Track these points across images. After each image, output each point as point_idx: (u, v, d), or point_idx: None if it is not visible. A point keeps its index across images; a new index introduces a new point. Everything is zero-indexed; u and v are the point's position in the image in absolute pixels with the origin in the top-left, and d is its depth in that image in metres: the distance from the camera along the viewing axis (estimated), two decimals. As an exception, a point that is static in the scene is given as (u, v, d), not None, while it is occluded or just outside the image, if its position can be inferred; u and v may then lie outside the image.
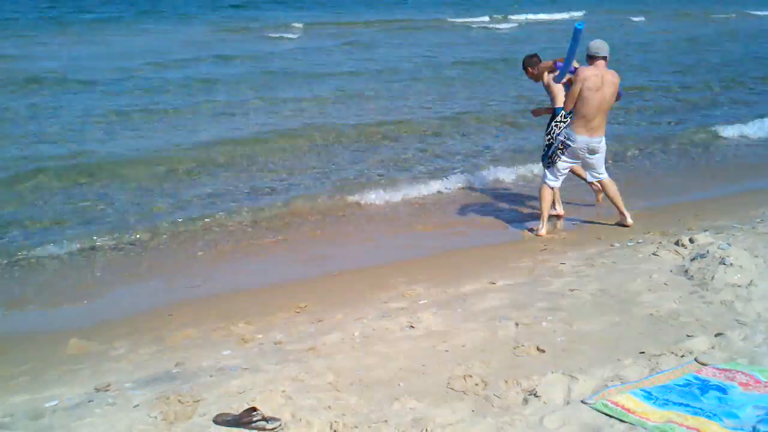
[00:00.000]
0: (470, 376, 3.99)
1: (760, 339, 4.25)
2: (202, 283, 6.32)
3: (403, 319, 4.98)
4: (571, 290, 5.35)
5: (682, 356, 4.09)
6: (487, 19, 34.61)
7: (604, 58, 6.89)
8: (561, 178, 7.31)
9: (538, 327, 4.69)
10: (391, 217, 8.16)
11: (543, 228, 7.26)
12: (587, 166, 7.38)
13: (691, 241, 6.08)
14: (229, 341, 4.94)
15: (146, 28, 27.72)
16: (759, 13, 39.27)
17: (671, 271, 5.59)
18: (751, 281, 5.12)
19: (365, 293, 5.81)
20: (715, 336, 4.34)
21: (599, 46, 6.90)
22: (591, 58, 6.90)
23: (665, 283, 5.34)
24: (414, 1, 47.34)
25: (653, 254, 6.05)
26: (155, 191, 8.74)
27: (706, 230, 6.69)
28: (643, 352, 4.20)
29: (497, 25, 32.19)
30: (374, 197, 8.56)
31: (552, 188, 7.32)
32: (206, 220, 7.72)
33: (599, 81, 6.78)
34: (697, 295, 5.05)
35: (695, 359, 4.01)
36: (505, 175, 9.54)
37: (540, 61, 7.71)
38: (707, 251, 5.60)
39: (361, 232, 7.70)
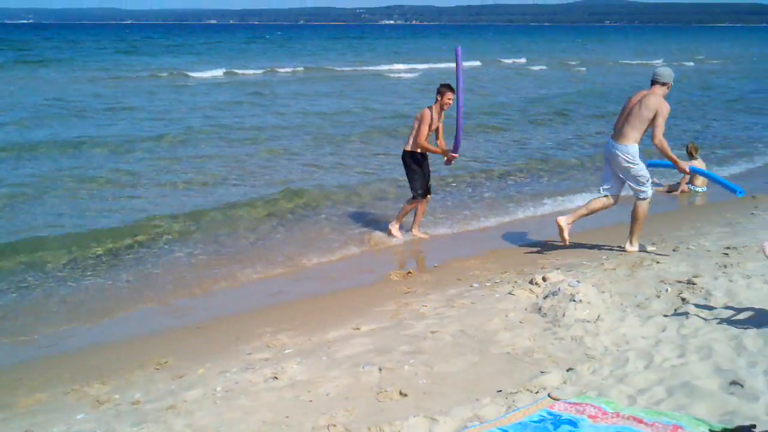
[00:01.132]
0: (334, 426, 3.99)
1: (607, 371, 4.49)
2: (54, 343, 6.00)
3: (266, 371, 4.93)
4: (433, 332, 5.47)
5: (537, 392, 4.26)
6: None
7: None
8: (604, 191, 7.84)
9: (401, 371, 4.76)
10: (256, 262, 8.07)
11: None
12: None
13: (544, 279, 6.37)
14: (83, 404, 4.72)
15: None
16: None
17: (526, 309, 5.83)
18: (599, 316, 5.42)
19: (229, 345, 5.71)
20: (567, 371, 4.56)
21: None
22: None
23: (520, 322, 5.56)
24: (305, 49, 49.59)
25: (509, 293, 6.29)
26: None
27: (558, 268, 7.04)
28: (501, 391, 4.34)
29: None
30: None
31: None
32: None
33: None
34: (549, 332, 5.29)
35: (548, 395, 4.18)
36: (370, 220, 9.69)
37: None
38: (558, 289, 5.89)
39: (226, 280, 7.56)
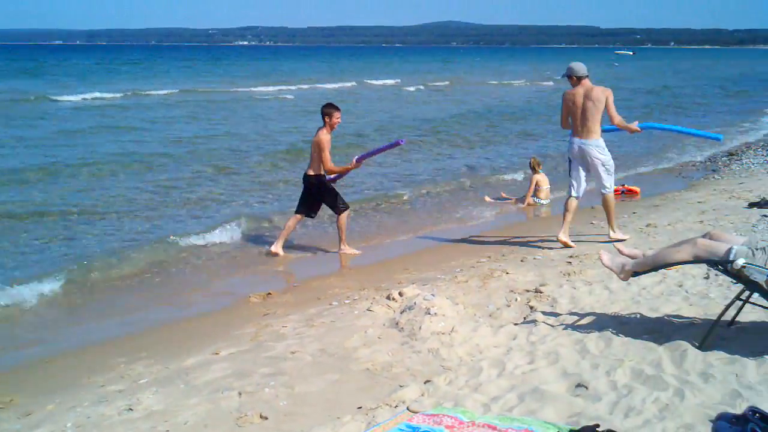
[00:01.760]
0: (192, 455, 3.88)
1: (462, 381, 4.63)
2: None
3: (121, 403, 4.74)
4: (293, 353, 5.45)
5: (396, 407, 4.33)
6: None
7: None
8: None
9: (261, 394, 4.71)
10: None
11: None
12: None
13: (400, 294, 6.49)
14: None
15: None
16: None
17: (384, 324, 5.92)
18: (453, 328, 5.58)
19: (81, 378, 5.45)
20: (424, 383, 4.66)
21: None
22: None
23: (379, 337, 5.64)
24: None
25: (368, 310, 6.36)
26: None
27: (414, 283, 7.21)
28: (361, 407, 4.38)
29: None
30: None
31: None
32: None
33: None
34: (407, 346, 5.40)
35: (407, 408, 4.26)
36: (226, 237, 9.56)
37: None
38: (414, 303, 6.02)
39: (79, 310, 7.20)
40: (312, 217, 9.33)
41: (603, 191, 8.54)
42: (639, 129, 8.64)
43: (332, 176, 9.09)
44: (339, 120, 8.71)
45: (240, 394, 4.72)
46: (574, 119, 8.32)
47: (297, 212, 9.12)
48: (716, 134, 9.54)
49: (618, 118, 8.26)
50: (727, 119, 25.84)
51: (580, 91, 8.25)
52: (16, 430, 4.50)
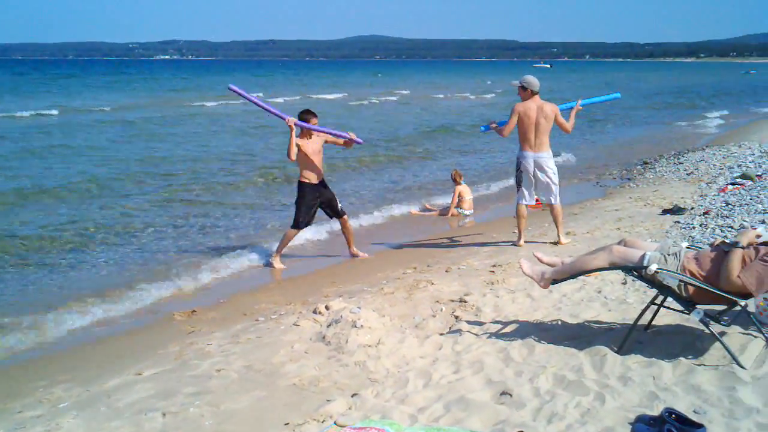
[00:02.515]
0: (114, 480, 3.78)
1: (390, 393, 4.65)
2: None
3: (39, 429, 4.59)
4: (218, 370, 5.38)
5: (323, 421, 4.32)
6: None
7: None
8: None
9: (186, 414, 4.62)
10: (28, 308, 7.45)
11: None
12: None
13: (327, 308, 6.48)
14: None
15: None
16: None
17: (311, 339, 5.90)
18: (380, 340, 5.60)
19: (-5, 404, 5.23)
20: (352, 397, 4.67)
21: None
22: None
23: (306, 352, 5.61)
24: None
25: (294, 324, 6.32)
26: None
27: (341, 296, 7.20)
28: (288, 423, 4.36)
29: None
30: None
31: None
32: None
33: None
34: (334, 360, 5.39)
35: (335, 422, 4.25)
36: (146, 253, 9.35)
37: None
38: (341, 316, 6.01)
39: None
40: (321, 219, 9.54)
41: (553, 202, 8.96)
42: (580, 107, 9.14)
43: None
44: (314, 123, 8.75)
45: (164, 414, 4.62)
46: (527, 133, 8.66)
47: (295, 226, 9.10)
48: (614, 94, 10.35)
49: (570, 126, 8.86)
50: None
51: (532, 105, 8.63)
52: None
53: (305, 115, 8.76)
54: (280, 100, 43.29)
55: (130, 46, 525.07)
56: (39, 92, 49.90)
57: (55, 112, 33.32)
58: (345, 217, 9.31)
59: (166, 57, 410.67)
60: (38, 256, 9.31)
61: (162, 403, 4.82)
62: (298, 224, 8.97)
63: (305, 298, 7.49)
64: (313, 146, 8.82)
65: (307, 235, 10.41)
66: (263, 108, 9.06)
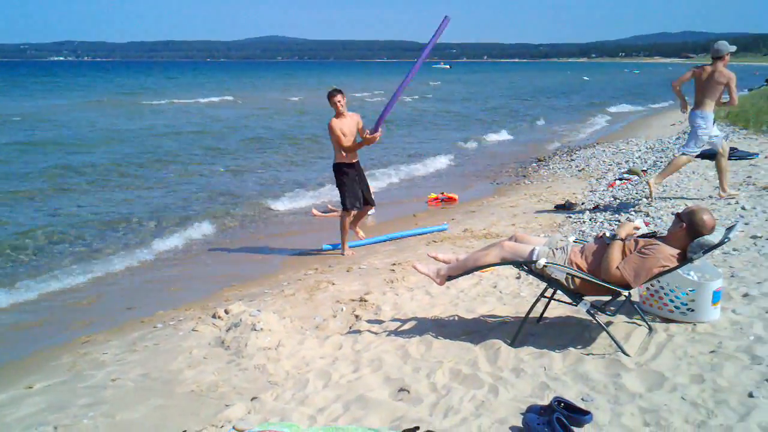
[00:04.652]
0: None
1: (289, 395, 4.65)
2: None
3: None
4: (114, 380, 5.24)
5: (222, 427, 4.28)
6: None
7: None
8: None
9: (80, 426, 4.49)
10: None
11: None
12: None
13: (226, 312, 6.41)
14: None
15: None
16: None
17: (210, 344, 5.82)
18: (280, 342, 5.59)
19: None
20: (251, 400, 4.64)
21: None
22: None
23: (204, 357, 5.54)
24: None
25: (193, 330, 6.23)
26: None
27: (241, 299, 7.14)
28: (185, 431, 4.29)
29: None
30: None
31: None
32: None
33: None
34: (233, 364, 5.35)
35: (233, 427, 4.21)
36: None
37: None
38: (240, 320, 5.97)
39: None
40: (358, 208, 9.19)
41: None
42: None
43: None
44: (337, 102, 8.64)
45: (56, 428, 4.48)
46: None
47: (346, 209, 9.06)
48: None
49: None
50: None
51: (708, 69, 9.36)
52: None
53: (329, 93, 8.74)
54: (216, 99, 43.44)
55: (22, 47, 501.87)
56: None
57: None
58: (370, 207, 9.29)
59: (61, 58, 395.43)
60: None
61: (54, 417, 4.66)
62: (347, 206, 8.95)
63: (204, 302, 7.38)
64: (349, 127, 8.79)
65: (195, 235, 10.32)
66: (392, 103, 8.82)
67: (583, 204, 10.70)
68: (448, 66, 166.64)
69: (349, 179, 8.94)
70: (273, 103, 41.84)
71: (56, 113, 33.82)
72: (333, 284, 7.41)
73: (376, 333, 5.69)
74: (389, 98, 8.79)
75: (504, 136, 25.45)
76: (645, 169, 13.35)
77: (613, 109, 37.00)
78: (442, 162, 18.40)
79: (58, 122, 29.13)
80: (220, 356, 5.55)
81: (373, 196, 9.36)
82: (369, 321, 6.05)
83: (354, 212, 9.12)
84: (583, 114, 34.43)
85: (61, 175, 16.03)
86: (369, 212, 9.79)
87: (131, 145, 21.96)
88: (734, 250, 7.00)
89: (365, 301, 6.63)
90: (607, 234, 5.16)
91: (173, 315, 7.07)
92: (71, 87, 64.36)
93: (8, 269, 8.90)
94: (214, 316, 6.43)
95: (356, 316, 6.26)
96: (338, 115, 8.73)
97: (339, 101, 8.67)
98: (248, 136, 24.22)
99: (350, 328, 6.00)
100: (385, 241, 9.67)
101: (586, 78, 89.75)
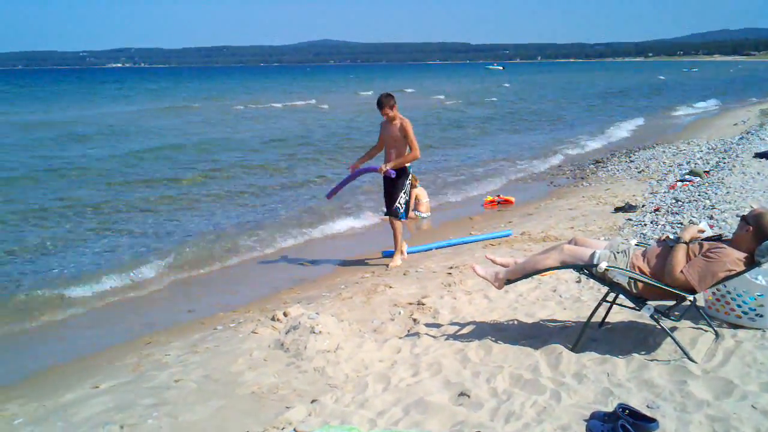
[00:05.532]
0: (72, 496, 3.73)
1: (349, 398, 4.66)
2: None
3: (-8, 446, 4.50)
4: (176, 381, 5.33)
5: (283, 429, 4.32)
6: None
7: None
8: None
9: (144, 426, 4.58)
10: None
11: None
12: None
13: (285, 314, 6.46)
14: None
15: None
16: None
17: (269, 346, 5.88)
18: (338, 345, 5.61)
19: (-53, 424, 5.12)
20: (311, 403, 4.67)
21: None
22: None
23: (264, 359, 5.59)
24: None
25: (253, 332, 6.30)
26: None
27: (299, 302, 7.19)
28: (248, 432, 4.34)
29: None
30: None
31: None
32: None
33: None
34: (293, 366, 5.38)
35: (294, 429, 4.25)
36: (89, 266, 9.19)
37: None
38: (299, 323, 6.01)
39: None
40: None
41: None
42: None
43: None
44: (384, 114, 8.57)
45: (122, 427, 4.57)
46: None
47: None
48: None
49: None
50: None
51: None
52: None
53: (384, 98, 8.55)
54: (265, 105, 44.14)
55: (81, 54, 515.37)
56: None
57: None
58: (392, 218, 8.88)
59: (118, 65, 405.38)
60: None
61: (119, 416, 4.76)
62: (407, 213, 8.95)
63: (263, 305, 7.46)
64: (387, 133, 8.65)
65: (262, 239, 10.43)
66: (357, 174, 9.12)
67: (643, 206, 10.50)
68: (501, 67, 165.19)
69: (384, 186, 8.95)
70: (356, 106, 41.70)
71: (158, 118, 34.95)
72: (390, 287, 7.42)
73: (434, 337, 5.67)
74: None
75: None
76: (707, 170, 13.03)
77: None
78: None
79: (166, 127, 29.83)
80: (279, 358, 5.59)
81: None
82: (427, 325, 6.03)
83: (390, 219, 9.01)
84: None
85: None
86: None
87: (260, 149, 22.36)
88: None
89: (423, 304, 6.61)
90: (671, 237, 5.05)
91: (232, 317, 7.16)
92: (147, 93, 66.61)
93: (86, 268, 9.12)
94: (273, 319, 6.49)
95: (414, 320, 6.25)
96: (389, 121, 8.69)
97: (383, 113, 8.62)
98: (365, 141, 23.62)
99: (408, 331, 5.99)
100: (446, 246, 9.57)
101: (661, 77, 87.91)
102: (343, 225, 11.54)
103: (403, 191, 8.70)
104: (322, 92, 60.85)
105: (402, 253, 8.96)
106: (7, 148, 22.34)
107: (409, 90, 62.94)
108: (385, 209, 9.00)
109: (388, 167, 8.49)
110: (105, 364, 6.11)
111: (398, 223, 8.78)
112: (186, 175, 16.66)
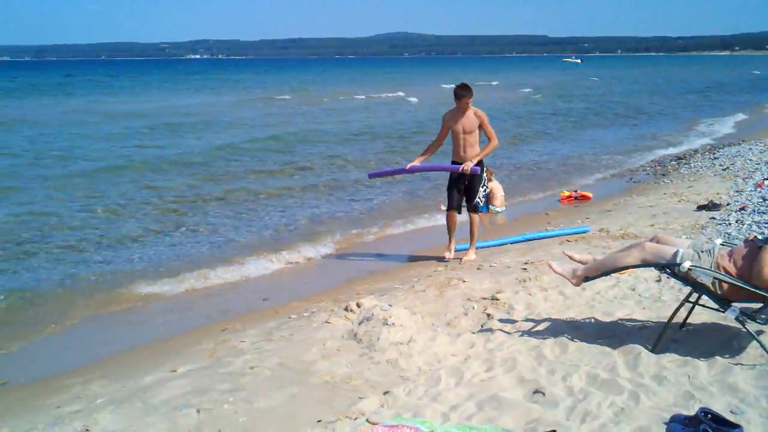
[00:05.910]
0: (151, 475, 3.83)
1: (422, 391, 4.65)
2: None
3: (77, 424, 4.64)
4: (252, 368, 5.41)
5: (356, 419, 4.33)
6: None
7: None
8: None
9: (220, 410, 4.66)
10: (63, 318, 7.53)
11: None
12: None
13: (358, 305, 6.49)
14: None
15: None
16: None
17: (343, 336, 5.91)
18: (411, 338, 5.60)
19: (34, 400, 5.33)
20: (384, 394, 4.67)
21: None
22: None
23: (338, 349, 5.63)
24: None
25: (326, 322, 6.35)
26: None
27: (372, 293, 7.22)
28: (320, 421, 4.37)
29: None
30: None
31: None
32: None
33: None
34: (366, 357, 5.40)
35: (367, 420, 4.26)
36: (174, 257, 9.43)
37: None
38: (372, 314, 6.02)
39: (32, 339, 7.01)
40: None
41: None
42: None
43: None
44: (460, 103, 8.41)
45: (198, 411, 4.66)
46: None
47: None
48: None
49: None
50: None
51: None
52: (-31, 456, 4.39)
53: (466, 88, 8.39)
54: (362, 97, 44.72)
55: (161, 45, 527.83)
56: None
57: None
58: (472, 213, 8.74)
59: (197, 56, 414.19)
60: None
61: (196, 400, 4.86)
62: (447, 204, 8.81)
63: (336, 295, 7.52)
64: (461, 126, 8.43)
65: (340, 229, 10.52)
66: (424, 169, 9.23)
67: (728, 205, 10.13)
68: (579, 60, 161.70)
69: (450, 180, 8.81)
70: (444, 98, 41.62)
71: (251, 109, 36.11)
72: (463, 282, 7.36)
73: (508, 333, 5.60)
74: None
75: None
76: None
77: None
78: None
79: (258, 118, 30.69)
80: (352, 349, 5.62)
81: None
82: (501, 320, 5.96)
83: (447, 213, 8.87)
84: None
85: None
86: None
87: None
88: None
89: (497, 299, 6.54)
90: (759, 237, 4.85)
91: (306, 306, 7.24)
92: (230, 83, 68.43)
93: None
94: (346, 309, 6.52)
95: (488, 315, 6.18)
96: (457, 112, 8.53)
97: (462, 101, 8.42)
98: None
99: (482, 326, 5.93)
100: (521, 242, 9.45)
101: (756, 72, 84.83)
102: (419, 219, 11.49)
103: (483, 185, 8.61)
104: (406, 84, 60.63)
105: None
106: (102, 138, 23.12)
107: (494, 82, 62.54)
108: (449, 204, 8.72)
109: (471, 165, 8.35)
110: (182, 349, 6.25)
111: (477, 218, 8.71)
112: (274, 168, 17.00)
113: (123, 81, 74.99)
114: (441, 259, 8.78)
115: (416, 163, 8.77)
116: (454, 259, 8.69)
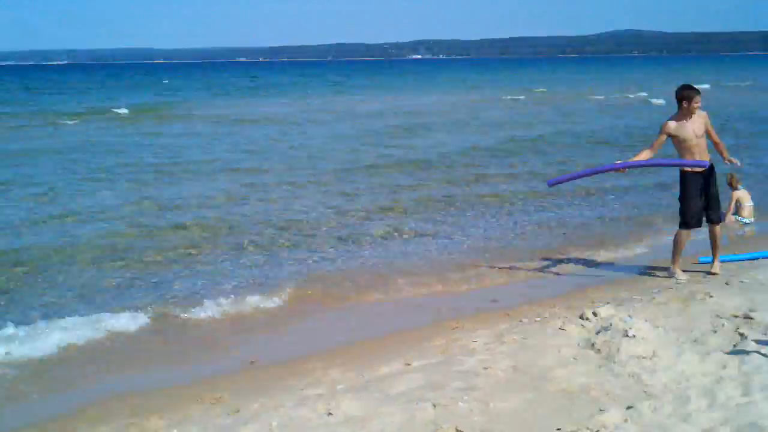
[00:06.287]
0: (393, 464, 3.93)
1: (669, 410, 4.38)
2: (113, 385, 5.95)
3: (320, 406, 4.90)
4: (485, 368, 5.40)
5: (597, 431, 4.17)
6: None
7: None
8: None
9: (455, 407, 4.70)
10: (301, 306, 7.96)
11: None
12: None
13: (594, 314, 6.26)
14: (142, 437, 4.72)
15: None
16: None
17: (578, 344, 5.73)
18: (654, 352, 5.31)
19: (282, 381, 5.68)
20: (626, 409, 4.46)
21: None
22: None
23: (574, 358, 5.47)
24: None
25: (560, 329, 6.18)
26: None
27: (608, 303, 6.92)
28: (560, 429, 4.27)
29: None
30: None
31: None
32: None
33: None
34: (605, 368, 5.20)
35: (613, 435, 4.09)
36: (412, 257, 9.66)
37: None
38: (611, 324, 5.79)
39: (277, 323, 7.47)
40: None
41: None
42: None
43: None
44: (697, 104, 7.75)
45: (434, 406, 4.73)
46: None
47: (680, 225, 8.20)
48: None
49: None
50: None
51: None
52: (227, 425, 4.77)
53: (684, 91, 7.85)
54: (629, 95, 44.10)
55: (384, 46, 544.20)
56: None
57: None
58: (714, 225, 8.13)
59: (418, 56, 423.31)
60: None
61: (431, 395, 4.94)
62: (686, 223, 8.03)
63: (568, 302, 7.30)
64: (691, 130, 7.78)
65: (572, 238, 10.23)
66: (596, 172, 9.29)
67: None
68: None
69: (689, 192, 7.94)
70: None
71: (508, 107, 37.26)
72: (710, 296, 6.85)
73: (766, 356, 5.12)
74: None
75: None
76: None
77: None
78: None
79: (517, 116, 31.65)
80: (589, 359, 5.43)
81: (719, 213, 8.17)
82: (757, 341, 5.45)
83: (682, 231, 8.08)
84: None
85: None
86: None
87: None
88: None
89: (751, 318, 6.01)
90: None
91: (537, 311, 7.09)
92: (463, 82, 70.93)
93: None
94: (581, 317, 6.32)
95: (740, 334, 5.69)
96: (681, 117, 7.86)
97: (696, 103, 7.77)
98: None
99: (734, 346, 5.47)
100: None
101: None
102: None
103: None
104: (645, 85, 57.45)
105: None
106: (349, 139, 24.16)
107: (745, 83, 57.91)
108: (688, 221, 7.99)
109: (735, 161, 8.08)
110: (415, 344, 6.35)
111: (719, 228, 8.10)
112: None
113: (356, 79, 78.73)
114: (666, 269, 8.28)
115: (624, 169, 8.56)
116: (699, 272, 8.12)
